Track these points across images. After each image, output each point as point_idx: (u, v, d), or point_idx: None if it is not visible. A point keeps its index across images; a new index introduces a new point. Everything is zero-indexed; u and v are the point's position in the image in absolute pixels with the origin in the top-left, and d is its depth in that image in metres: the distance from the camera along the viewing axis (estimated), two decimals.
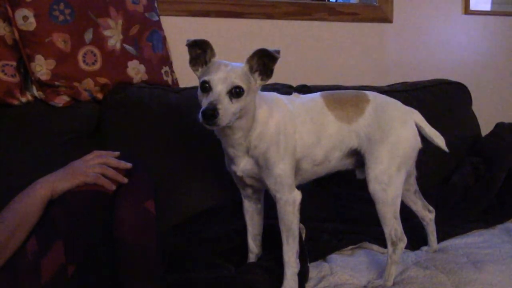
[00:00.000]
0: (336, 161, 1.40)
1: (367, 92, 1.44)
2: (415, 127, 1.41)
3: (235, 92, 1.18)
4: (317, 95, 1.42)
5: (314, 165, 1.37)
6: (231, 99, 1.17)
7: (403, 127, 1.38)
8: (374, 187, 1.34)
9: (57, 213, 1.12)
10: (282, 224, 1.32)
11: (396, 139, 1.36)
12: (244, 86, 1.18)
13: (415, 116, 1.44)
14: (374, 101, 1.41)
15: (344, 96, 1.43)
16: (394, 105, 1.43)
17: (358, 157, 1.42)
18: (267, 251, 1.49)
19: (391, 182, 1.34)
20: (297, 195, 1.32)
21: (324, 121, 1.36)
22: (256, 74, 1.24)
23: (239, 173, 1.35)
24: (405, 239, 1.37)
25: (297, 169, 1.36)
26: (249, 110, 1.24)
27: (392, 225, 1.35)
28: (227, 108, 1.16)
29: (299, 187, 1.41)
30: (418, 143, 1.41)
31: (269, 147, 1.29)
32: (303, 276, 1.37)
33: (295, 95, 1.43)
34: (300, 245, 1.36)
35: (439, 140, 1.45)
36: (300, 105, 1.37)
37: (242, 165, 1.33)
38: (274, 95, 1.38)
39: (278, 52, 1.20)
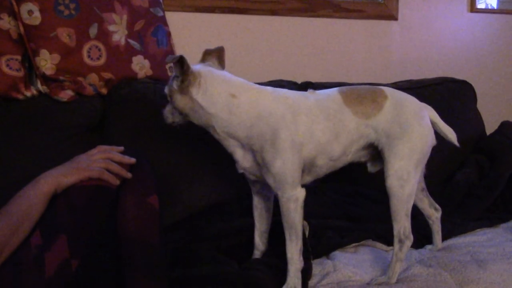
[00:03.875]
0: (352, 154, 1.39)
1: (384, 88, 1.43)
2: (430, 123, 1.41)
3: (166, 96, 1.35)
4: (334, 91, 1.40)
5: (330, 160, 1.36)
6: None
7: (420, 124, 1.38)
8: (393, 183, 1.34)
9: (61, 208, 1.12)
10: (285, 221, 1.31)
11: (415, 135, 1.36)
12: (167, 92, 1.33)
13: (429, 112, 1.44)
14: (392, 96, 1.40)
15: (362, 91, 1.40)
16: (411, 101, 1.42)
17: (371, 150, 1.41)
18: (271, 248, 1.49)
19: (409, 178, 1.34)
20: (300, 193, 1.31)
21: (342, 117, 1.34)
22: (180, 78, 1.28)
23: (240, 170, 1.36)
24: (412, 237, 1.36)
25: (312, 165, 1.35)
26: (190, 109, 1.31)
27: (403, 223, 1.35)
28: (166, 110, 1.39)
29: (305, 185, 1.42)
30: (433, 140, 1.41)
31: (263, 146, 1.28)
32: (306, 273, 1.36)
33: (310, 91, 1.40)
34: (303, 242, 1.36)
35: (452, 136, 1.46)
36: (314, 102, 1.35)
37: (241, 162, 1.34)
38: (283, 93, 1.35)
39: (169, 58, 1.27)
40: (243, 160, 1.34)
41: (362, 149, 1.40)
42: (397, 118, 1.36)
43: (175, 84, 1.29)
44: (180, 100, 1.30)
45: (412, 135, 1.35)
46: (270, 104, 1.29)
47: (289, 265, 1.31)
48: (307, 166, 1.34)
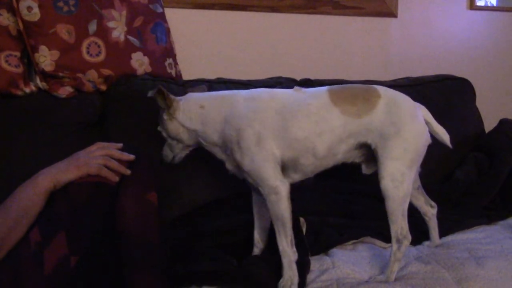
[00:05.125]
0: (343, 154, 1.39)
1: (377, 87, 1.42)
2: (425, 123, 1.41)
3: (160, 134, 1.47)
4: (323, 89, 1.40)
5: (316, 159, 1.36)
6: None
7: (415, 123, 1.37)
8: (387, 184, 1.32)
9: (60, 204, 1.12)
10: (272, 214, 1.33)
11: (409, 135, 1.35)
12: (160, 127, 1.46)
13: (423, 112, 1.43)
14: (385, 95, 1.39)
15: (353, 90, 1.40)
16: (404, 100, 1.42)
17: (365, 150, 1.41)
18: (271, 245, 1.49)
19: (404, 179, 1.32)
20: (282, 185, 1.32)
21: (327, 115, 1.34)
22: (166, 106, 1.40)
23: (230, 172, 1.42)
24: (410, 236, 1.36)
25: (296, 163, 1.36)
26: (180, 134, 1.43)
27: (400, 223, 1.34)
28: (164, 150, 1.50)
29: (302, 182, 1.42)
30: (428, 139, 1.40)
31: (232, 147, 1.34)
32: (303, 267, 1.37)
33: (296, 89, 1.43)
34: (300, 237, 1.37)
35: (445, 136, 1.45)
36: (293, 99, 1.37)
37: (227, 165, 1.41)
38: (253, 94, 1.40)
39: (150, 93, 1.38)
40: (228, 163, 1.41)
41: (354, 148, 1.39)
42: (390, 117, 1.36)
43: (164, 116, 1.42)
44: (172, 128, 1.42)
45: (406, 134, 1.34)
46: (234, 107, 1.36)
47: (282, 258, 1.32)
48: (290, 164, 1.36)
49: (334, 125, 1.34)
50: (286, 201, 1.32)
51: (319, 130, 1.34)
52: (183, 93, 1.73)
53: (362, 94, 1.39)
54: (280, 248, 1.32)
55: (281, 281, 1.31)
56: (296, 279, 1.30)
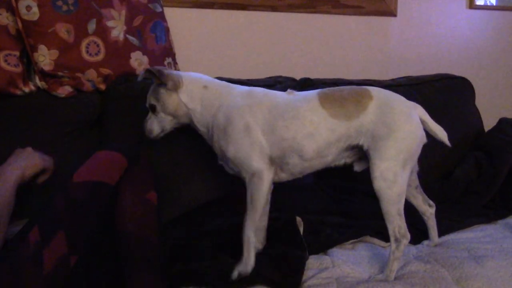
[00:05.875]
0: (334, 156, 1.40)
1: (370, 88, 1.42)
2: (420, 122, 1.41)
3: (151, 108, 1.47)
4: (313, 92, 1.42)
5: (303, 160, 1.38)
6: (154, 114, 1.47)
7: (408, 123, 1.37)
8: (380, 185, 1.33)
9: (59, 204, 1.12)
10: (248, 197, 1.36)
11: (401, 135, 1.34)
12: (153, 101, 1.46)
13: (419, 111, 1.43)
14: (377, 97, 1.39)
15: (344, 93, 1.40)
16: (398, 100, 1.42)
17: (357, 151, 1.41)
18: (270, 243, 1.49)
19: (396, 179, 1.32)
20: (266, 172, 1.35)
21: (314, 118, 1.35)
22: (163, 83, 1.42)
23: (219, 162, 1.46)
24: (408, 235, 1.36)
25: (283, 163, 1.38)
26: (178, 110, 1.45)
27: (396, 222, 1.34)
28: (149, 123, 1.49)
29: (297, 181, 1.44)
30: (423, 138, 1.40)
31: (219, 135, 1.39)
32: (300, 262, 1.39)
33: (289, 91, 1.46)
34: (297, 236, 1.40)
35: (442, 135, 1.45)
36: (284, 101, 1.40)
37: (218, 160, 1.44)
38: (250, 90, 1.45)
39: (140, 76, 1.45)
40: (214, 149, 1.45)
41: (345, 150, 1.40)
42: (382, 119, 1.36)
43: (162, 90, 1.43)
44: (170, 103, 1.44)
45: (398, 134, 1.34)
46: (231, 98, 1.41)
47: (244, 241, 1.34)
48: (277, 162, 1.38)
49: (322, 128, 1.35)
50: (267, 188, 1.35)
51: (306, 132, 1.35)
52: None
53: (353, 96, 1.39)
54: (244, 231, 1.34)
55: (238, 264, 1.34)
56: (251, 262, 1.33)
